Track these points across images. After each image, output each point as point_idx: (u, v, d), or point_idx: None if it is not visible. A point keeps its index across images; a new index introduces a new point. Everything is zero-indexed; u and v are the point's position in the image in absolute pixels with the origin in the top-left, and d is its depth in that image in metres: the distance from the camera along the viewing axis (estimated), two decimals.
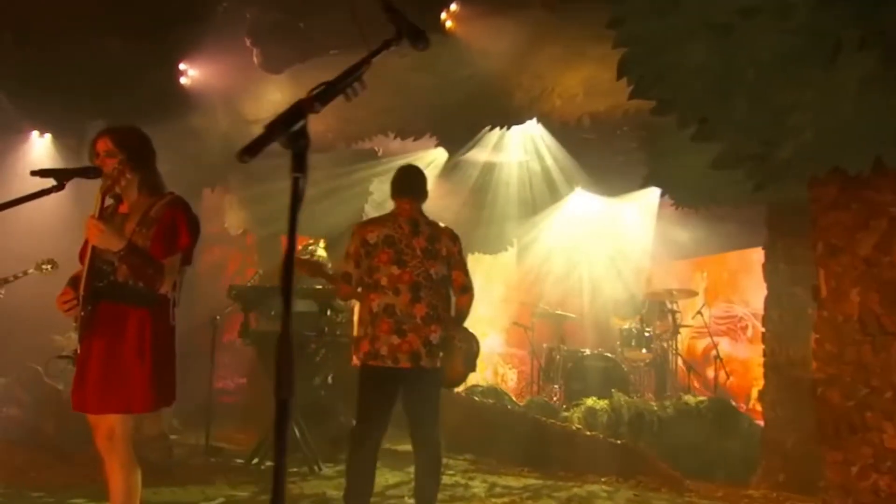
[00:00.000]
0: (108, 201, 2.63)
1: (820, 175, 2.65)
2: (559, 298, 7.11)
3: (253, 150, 1.18)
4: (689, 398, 5.47)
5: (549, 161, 6.32)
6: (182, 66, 5.63)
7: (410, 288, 3.13)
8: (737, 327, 7.51)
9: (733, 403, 5.59)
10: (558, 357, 6.51)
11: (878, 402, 2.47)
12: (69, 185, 2.53)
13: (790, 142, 2.68)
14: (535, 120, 4.79)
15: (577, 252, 7.28)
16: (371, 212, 6.66)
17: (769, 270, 4.96)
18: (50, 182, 2.52)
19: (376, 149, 6.32)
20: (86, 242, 2.86)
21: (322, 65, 5.46)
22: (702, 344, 7.55)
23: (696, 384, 7.03)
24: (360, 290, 3.22)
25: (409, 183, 3.30)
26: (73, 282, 2.75)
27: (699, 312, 6.60)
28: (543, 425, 5.42)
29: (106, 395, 2.54)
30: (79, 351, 2.62)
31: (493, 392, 5.99)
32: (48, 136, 6.53)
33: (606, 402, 5.49)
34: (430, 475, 3.26)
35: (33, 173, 2.62)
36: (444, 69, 4.96)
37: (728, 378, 6.34)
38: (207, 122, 5.92)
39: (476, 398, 5.77)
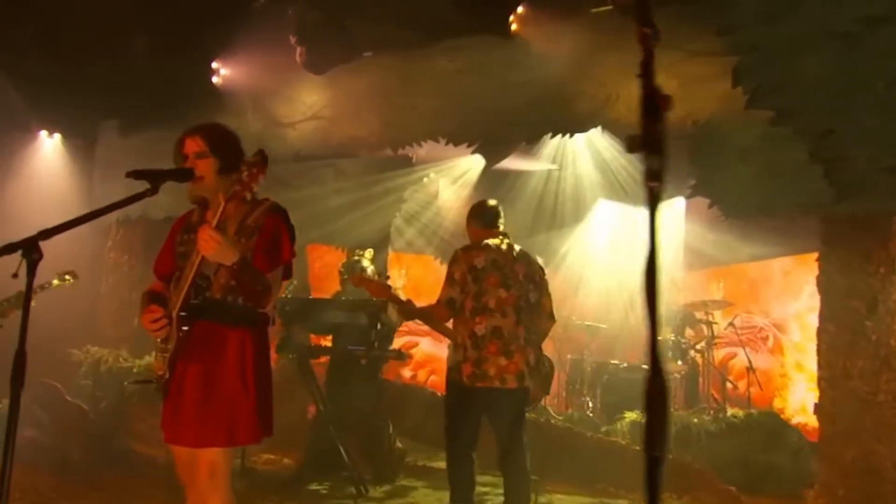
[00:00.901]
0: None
1: None
2: (591, 310, 7.01)
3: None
4: (737, 411, 5.42)
5: (584, 168, 6.23)
6: (214, 65, 5.36)
7: (515, 310, 3.24)
8: (757, 338, 7.52)
9: (782, 417, 5.55)
10: (589, 369, 6.40)
11: None
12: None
13: None
14: (599, 128, 4.68)
15: (608, 263, 7.20)
16: (401, 223, 6.47)
17: (824, 283, 4.94)
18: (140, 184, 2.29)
19: (411, 155, 6.13)
20: (163, 252, 2.62)
21: (357, 68, 5.27)
22: (719, 355, 7.54)
23: (717, 395, 7.01)
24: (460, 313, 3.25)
25: (497, 216, 3.51)
26: (156, 298, 2.50)
27: (731, 323, 6.58)
28: (590, 440, 5.30)
29: (208, 427, 2.29)
30: (167, 376, 2.38)
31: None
32: (57, 136, 6.17)
33: None
34: (523, 494, 3.27)
35: (128, 175, 2.37)
36: (498, 74, 4.82)
37: (759, 389, 6.33)
38: (238, 123, 5.62)
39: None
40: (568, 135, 4.82)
